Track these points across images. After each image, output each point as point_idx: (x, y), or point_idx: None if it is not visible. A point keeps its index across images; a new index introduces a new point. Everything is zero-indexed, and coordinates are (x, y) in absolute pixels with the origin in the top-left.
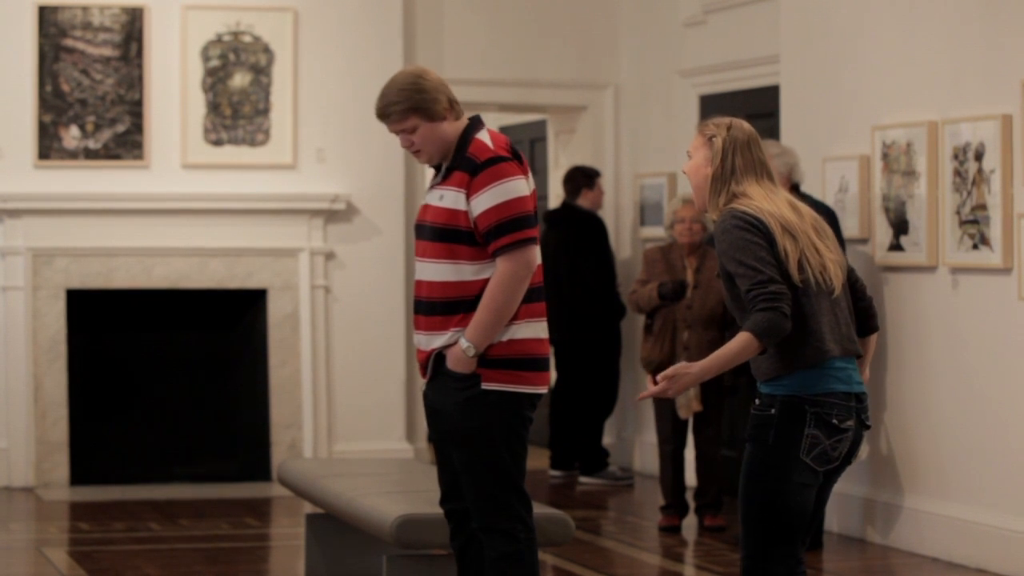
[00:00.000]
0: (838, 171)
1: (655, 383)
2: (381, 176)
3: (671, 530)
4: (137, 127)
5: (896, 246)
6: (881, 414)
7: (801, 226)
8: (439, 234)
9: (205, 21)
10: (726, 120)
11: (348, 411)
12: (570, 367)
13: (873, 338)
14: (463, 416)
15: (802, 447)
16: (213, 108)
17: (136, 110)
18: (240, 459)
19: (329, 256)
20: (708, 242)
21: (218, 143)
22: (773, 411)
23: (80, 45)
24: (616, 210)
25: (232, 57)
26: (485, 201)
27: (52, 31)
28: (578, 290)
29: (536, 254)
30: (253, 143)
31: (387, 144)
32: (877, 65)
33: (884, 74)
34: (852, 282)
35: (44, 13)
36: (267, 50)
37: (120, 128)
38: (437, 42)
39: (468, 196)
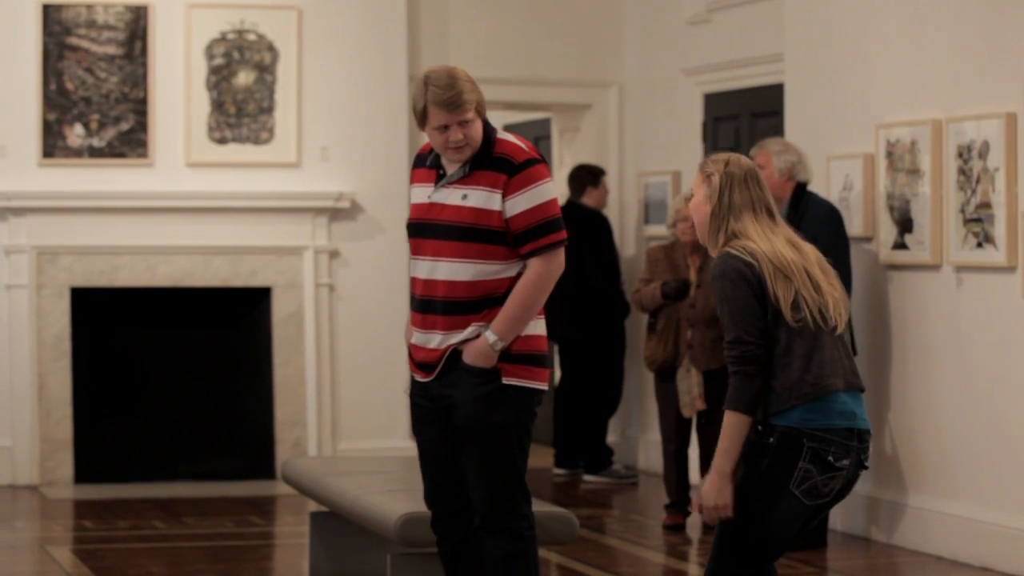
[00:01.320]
0: (842, 170)
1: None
2: (385, 174)
3: (675, 528)
4: (141, 125)
5: (900, 244)
6: (885, 413)
7: (800, 264)
8: (466, 233)
9: (209, 19)
10: (724, 156)
11: (352, 409)
12: (574, 365)
13: None
14: (483, 411)
15: (793, 479)
16: (217, 106)
17: (140, 108)
18: (244, 457)
19: (333, 254)
20: None
21: (222, 141)
22: (771, 440)
23: (84, 43)
24: (620, 208)
25: (236, 55)
26: (523, 202)
27: (56, 29)
28: (583, 288)
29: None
30: (257, 141)
31: (391, 142)
32: (881, 63)
33: (888, 72)
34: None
35: (48, 11)
36: (271, 48)
37: (124, 126)
38: (441, 40)
39: (504, 196)
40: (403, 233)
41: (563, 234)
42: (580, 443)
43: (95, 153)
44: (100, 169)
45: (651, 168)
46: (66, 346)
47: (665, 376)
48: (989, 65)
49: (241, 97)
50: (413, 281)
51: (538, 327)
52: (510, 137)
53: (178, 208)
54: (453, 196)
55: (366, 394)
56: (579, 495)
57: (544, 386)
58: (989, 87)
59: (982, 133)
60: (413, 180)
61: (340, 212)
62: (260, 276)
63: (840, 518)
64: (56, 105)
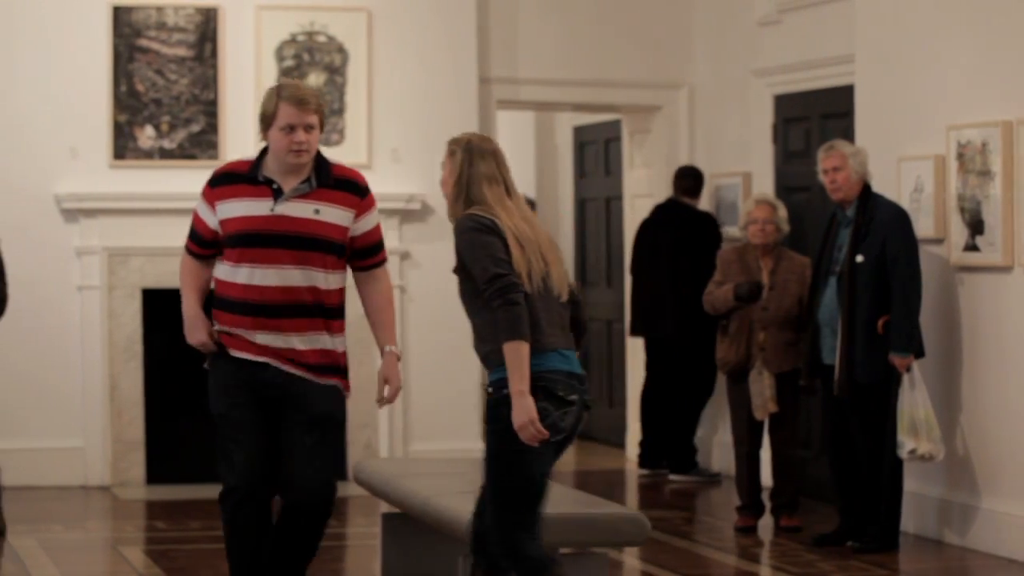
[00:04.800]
0: (913, 171)
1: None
2: None
3: (747, 531)
4: (212, 127)
5: (972, 246)
6: (957, 415)
7: (533, 237)
8: (321, 245)
9: (279, 21)
10: (467, 135)
11: (424, 411)
12: (667, 364)
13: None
14: (332, 402)
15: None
16: None
17: (211, 110)
18: None
19: (404, 256)
20: (783, 243)
21: None
22: (505, 391)
23: (155, 45)
24: None
25: (306, 57)
26: (370, 223)
27: (126, 31)
28: (688, 287)
29: None
30: (328, 143)
31: None
32: (952, 65)
33: (959, 74)
34: (574, 299)
35: (118, 13)
36: (341, 50)
37: (195, 128)
38: (511, 42)
39: (356, 216)
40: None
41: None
42: (667, 442)
43: (166, 155)
44: (171, 170)
45: (722, 170)
46: (138, 347)
47: (737, 378)
48: None
49: None
50: (254, 288)
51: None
52: (342, 162)
53: None
54: (302, 209)
55: (437, 395)
56: (656, 496)
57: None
58: None
59: None
60: (233, 195)
61: (411, 213)
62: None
63: (912, 520)
64: (127, 107)
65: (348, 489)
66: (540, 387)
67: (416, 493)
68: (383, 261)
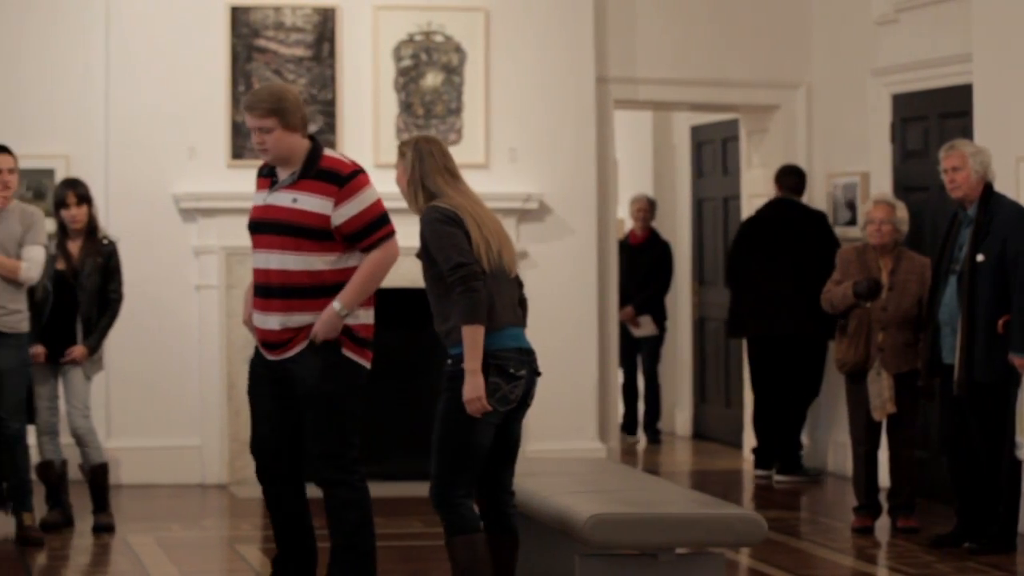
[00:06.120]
0: None
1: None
2: (573, 176)
3: (864, 531)
4: (330, 127)
5: None
6: None
7: (488, 218)
8: (295, 230)
9: (396, 21)
10: (415, 137)
11: (540, 410)
12: (774, 365)
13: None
14: (321, 381)
15: (488, 392)
16: (405, 108)
17: (329, 110)
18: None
19: (522, 255)
20: (903, 244)
21: None
22: (463, 366)
23: (272, 45)
24: None
25: (424, 57)
26: (353, 208)
27: (244, 31)
28: (808, 286)
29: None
30: (446, 142)
31: (579, 144)
32: None
33: None
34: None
35: (236, 14)
36: (459, 50)
37: (313, 128)
38: (628, 41)
39: (336, 204)
40: (592, 234)
41: (391, 227)
42: (778, 442)
43: None
44: None
45: (840, 169)
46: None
47: (856, 378)
48: None
49: (429, 98)
50: (254, 271)
51: (370, 316)
52: (335, 154)
53: None
54: (284, 199)
55: (554, 396)
56: (772, 497)
57: (369, 365)
58: None
59: None
60: (257, 187)
61: (528, 213)
62: None
63: None
64: None
65: None
66: (493, 364)
67: (533, 493)
68: (381, 239)
